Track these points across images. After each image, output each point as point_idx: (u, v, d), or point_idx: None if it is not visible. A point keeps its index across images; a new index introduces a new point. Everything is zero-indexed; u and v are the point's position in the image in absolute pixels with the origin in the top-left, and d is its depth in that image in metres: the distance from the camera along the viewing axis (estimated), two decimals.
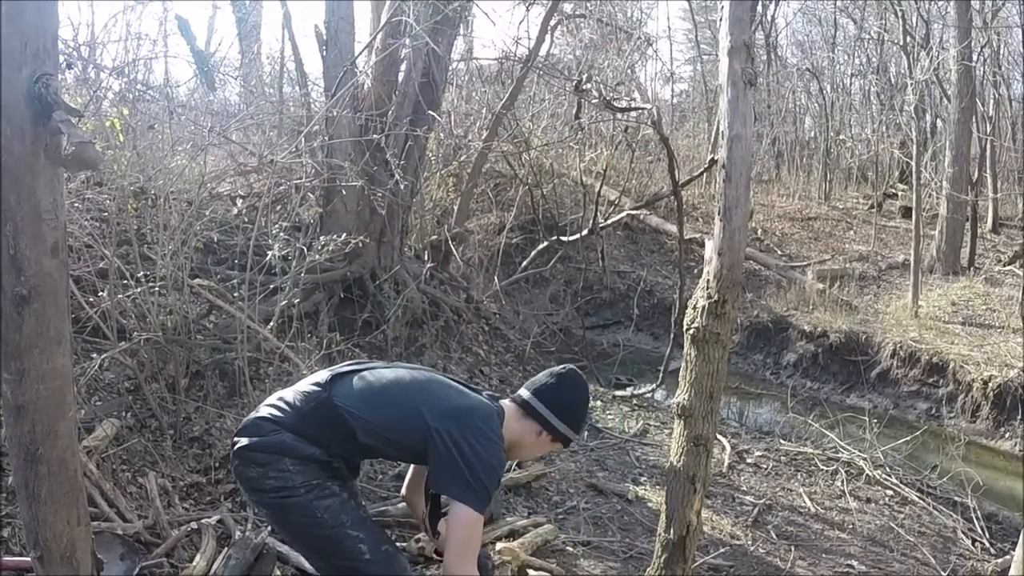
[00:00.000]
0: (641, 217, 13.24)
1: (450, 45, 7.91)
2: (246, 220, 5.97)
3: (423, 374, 2.70)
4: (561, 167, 12.91)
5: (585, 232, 9.70)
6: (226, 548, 3.49)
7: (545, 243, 10.14)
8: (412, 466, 2.95)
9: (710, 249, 3.21)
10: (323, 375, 2.63)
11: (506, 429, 2.58)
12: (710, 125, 16.19)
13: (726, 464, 6.17)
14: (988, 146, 14.69)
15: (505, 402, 2.70)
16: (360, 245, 5.84)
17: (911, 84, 11.84)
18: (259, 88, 10.05)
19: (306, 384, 2.62)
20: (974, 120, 13.75)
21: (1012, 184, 16.60)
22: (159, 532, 3.63)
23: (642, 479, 5.78)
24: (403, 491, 3.03)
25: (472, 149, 9.33)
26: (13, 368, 2.03)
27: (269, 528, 3.76)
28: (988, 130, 14.75)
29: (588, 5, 13.04)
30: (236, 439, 2.55)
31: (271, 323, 5.25)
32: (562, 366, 2.78)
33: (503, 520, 4.53)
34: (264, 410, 2.58)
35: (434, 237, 8.54)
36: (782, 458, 6.50)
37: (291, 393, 2.61)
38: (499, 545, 3.96)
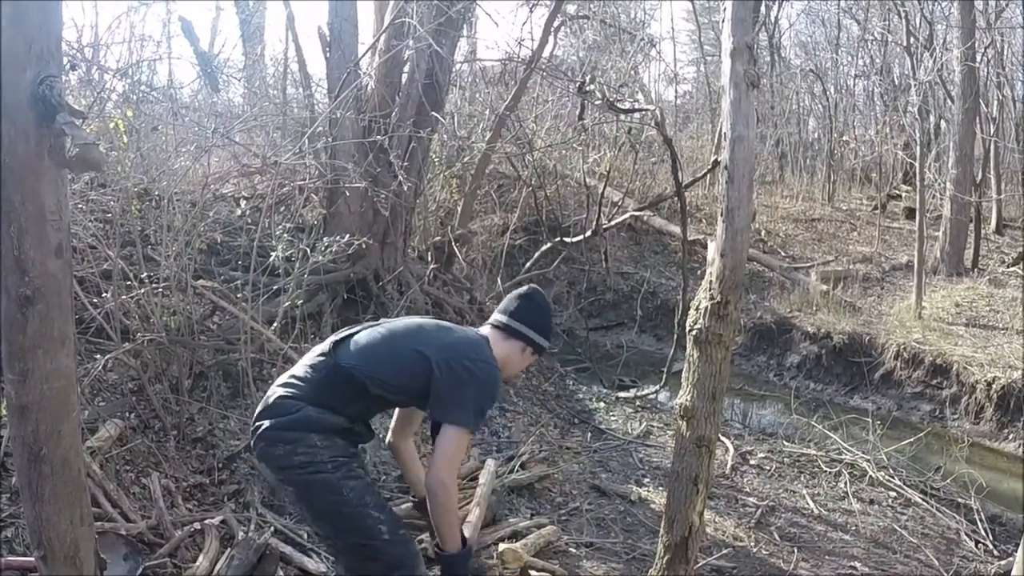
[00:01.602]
0: (645, 218, 13.23)
1: (453, 46, 7.91)
2: (250, 221, 5.98)
3: (412, 321, 3.00)
4: (564, 168, 12.90)
5: (589, 233, 9.69)
6: (229, 548, 3.50)
7: (548, 244, 10.13)
8: (398, 411, 3.11)
9: (713, 250, 3.22)
10: (324, 345, 2.81)
11: (495, 353, 2.85)
12: (714, 126, 16.15)
13: (729, 465, 6.16)
14: (992, 147, 14.64)
15: (485, 329, 2.99)
16: (363, 246, 5.85)
17: (915, 85, 11.82)
18: (263, 89, 10.07)
19: (311, 357, 2.79)
20: (978, 121, 13.70)
21: (1016, 185, 16.54)
22: (162, 532, 3.64)
23: (645, 480, 5.78)
24: (389, 437, 3.15)
25: (475, 150, 9.33)
26: (17, 368, 2.04)
27: (272, 528, 3.77)
28: (992, 131, 14.69)
29: (591, 6, 13.04)
30: (258, 423, 2.67)
31: (274, 324, 5.26)
32: (525, 287, 3.11)
33: (506, 521, 4.53)
34: (280, 391, 2.70)
35: (438, 238, 8.54)
36: (785, 460, 6.49)
37: (300, 369, 2.76)
38: (502, 546, 3.96)
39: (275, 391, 2.72)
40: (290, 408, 2.63)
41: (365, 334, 2.80)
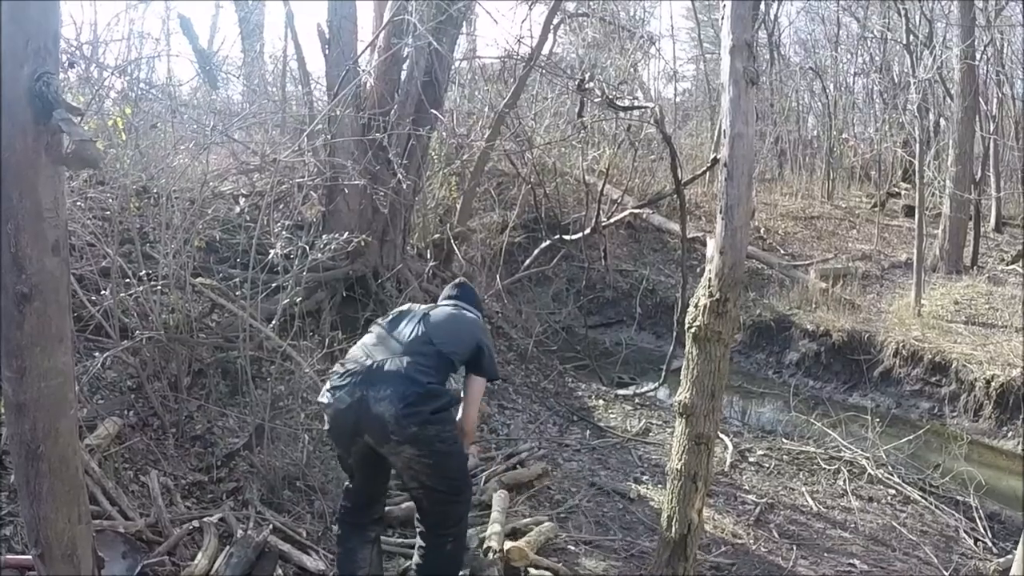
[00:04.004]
0: (644, 216, 13.21)
1: (453, 44, 7.90)
2: (248, 219, 5.97)
3: (447, 309, 3.65)
4: (564, 166, 12.88)
5: (588, 231, 9.68)
6: (228, 546, 3.50)
7: (547, 242, 10.12)
8: None
9: (712, 247, 3.22)
10: (410, 332, 3.37)
11: None
12: (713, 124, 16.14)
13: (728, 463, 6.16)
14: (991, 145, 14.63)
15: (450, 307, 3.69)
16: (362, 244, 5.83)
17: (914, 83, 11.81)
18: (262, 87, 10.07)
19: (407, 344, 3.29)
20: (977, 119, 13.69)
21: (1015, 183, 16.52)
22: (161, 530, 3.63)
23: (644, 478, 5.78)
24: None
25: (475, 148, 9.32)
26: (14, 366, 2.03)
27: (271, 526, 3.76)
28: (991, 129, 14.69)
29: (591, 4, 13.04)
30: (415, 407, 3.07)
31: (273, 322, 5.25)
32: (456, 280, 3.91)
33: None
34: (414, 374, 3.15)
35: (436, 236, 8.53)
36: (784, 457, 6.49)
37: (410, 360, 3.21)
38: (507, 544, 3.96)
39: (407, 372, 3.15)
40: (438, 392, 3.17)
41: (435, 323, 3.43)
